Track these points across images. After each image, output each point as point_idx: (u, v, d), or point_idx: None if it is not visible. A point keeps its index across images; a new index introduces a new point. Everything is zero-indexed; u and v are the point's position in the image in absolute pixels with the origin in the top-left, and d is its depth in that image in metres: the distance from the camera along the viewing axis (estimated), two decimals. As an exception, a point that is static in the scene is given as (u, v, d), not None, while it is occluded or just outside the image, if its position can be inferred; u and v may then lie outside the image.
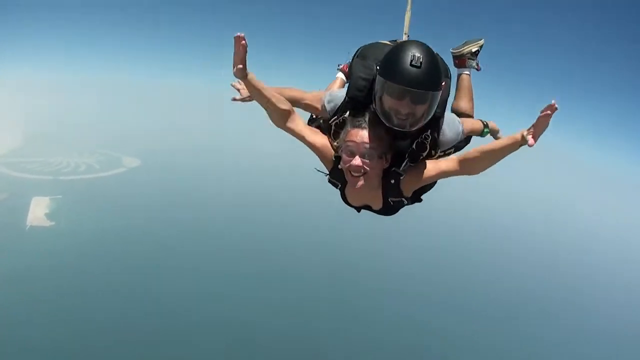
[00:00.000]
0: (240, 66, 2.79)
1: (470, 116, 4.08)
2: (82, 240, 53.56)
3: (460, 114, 3.90)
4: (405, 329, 46.52)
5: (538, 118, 2.63)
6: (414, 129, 3.01)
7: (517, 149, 2.86)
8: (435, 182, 3.63)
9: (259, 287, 50.14)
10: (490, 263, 69.61)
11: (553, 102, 2.58)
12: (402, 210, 3.60)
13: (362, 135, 3.07)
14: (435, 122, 3.21)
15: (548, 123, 2.64)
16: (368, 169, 3.08)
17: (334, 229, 67.22)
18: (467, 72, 4.34)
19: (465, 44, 4.34)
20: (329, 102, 3.45)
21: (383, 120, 2.99)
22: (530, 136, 2.68)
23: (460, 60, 4.33)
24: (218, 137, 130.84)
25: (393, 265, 60.88)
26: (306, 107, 3.55)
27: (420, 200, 3.69)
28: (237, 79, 3.21)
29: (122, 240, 55.12)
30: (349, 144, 3.09)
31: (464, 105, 4.17)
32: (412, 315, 49.13)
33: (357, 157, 3.06)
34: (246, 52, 2.74)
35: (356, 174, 3.10)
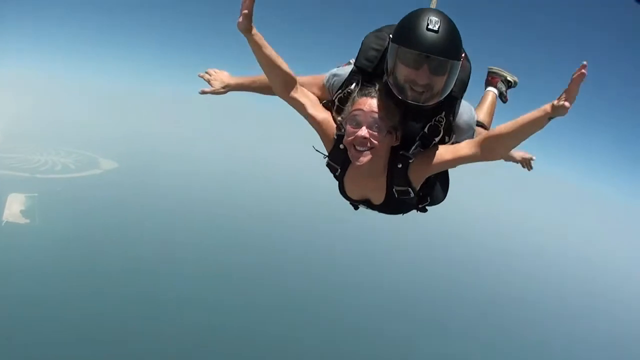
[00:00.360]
0: (246, 11, 2.50)
1: (486, 129, 3.77)
2: (55, 239, 55.13)
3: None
4: (401, 349, 48.56)
5: (570, 82, 2.35)
6: (430, 103, 2.67)
7: (545, 124, 2.52)
8: (447, 190, 3.40)
9: (235, 291, 51.79)
10: (484, 285, 73.47)
11: (584, 63, 2.33)
12: (402, 219, 3.35)
13: (370, 103, 2.73)
14: (451, 104, 2.87)
15: (579, 89, 2.36)
16: (376, 142, 2.70)
17: (320, 236, 71.43)
18: (495, 92, 4.26)
19: (504, 69, 4.37)
20: (333, 76, 3.10)
21: (396, 94, 2.66)
22: (564, 101, 2.35)
23: (494, 79, 4.31)
24: (194, 143, 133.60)
25: (386, 285, 63.71)
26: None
27: (425, 210, 3.36)
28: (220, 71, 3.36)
29: (95, 241, 56.91)
30: (356, 112, 2.73)
31: (482, 116, 3.95)
32: (408, 337, 51.36)
33: (363, 127, 2.70)
34: None
35: (361, 148, 2.71)
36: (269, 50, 2.74)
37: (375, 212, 3.31)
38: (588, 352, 59.57)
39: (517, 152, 4.34)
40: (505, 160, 4.10)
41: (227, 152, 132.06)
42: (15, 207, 63.19)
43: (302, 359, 43.16)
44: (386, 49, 2.82)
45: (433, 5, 3.19)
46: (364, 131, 2.70)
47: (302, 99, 3.00)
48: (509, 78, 4.37)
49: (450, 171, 3.21)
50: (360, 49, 3.01)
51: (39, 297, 43.08)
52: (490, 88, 4.29)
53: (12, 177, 73.39)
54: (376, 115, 2.72)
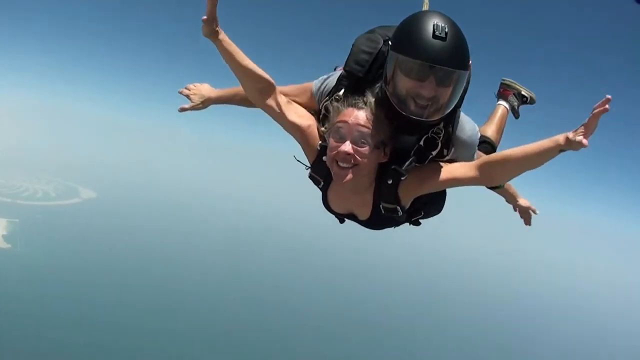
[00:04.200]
0: (205, 17, 2.29)
1: (493, 146, 3.52)
2: (36, 265, 57.00)
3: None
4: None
5: (591, 116, 2.16)
6: (433, 118, 2.41)
7: (554, 156, 2.30)
8: (442, 204, 3.12)
9: (210, 323, 52.89)
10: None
11: (608, 97, 2.16)
12: (389, 232, 3.06)
13: (357, 115, 2.45)
14: (451, 114, 2.54)
15: (597, 123, 2.17)
16: (360, 159, 2.42)
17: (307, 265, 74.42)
18: (506, 106, 3.98)
19: (518, 83, 4.07)
20: (324, 82, 2.84)
21: (397, 107, 2.38)
22: (582, 137, 2.14)
23: (506, 91, 4.02)
24: (174, 175, 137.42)
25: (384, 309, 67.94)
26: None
27: (418, 223, 3.05)
28: (185, 93, 3.14)
29: (76, 268, 59.07)
30: (340, 124, 2.45)
31: (490, 132, 3.66)
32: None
33: (347, 142, 2.42)
34: (216, 2, 2.29)
35: (344, 165, 2.44)
36: (240, 55, 2.48)
37: (363, 227, 3.01)
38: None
39: (522, 199, 3.76)
40: (507, 201, 3.75)
41: (208, 185, 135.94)
42: (-3, 231, 65.38)
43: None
44: (379, 52, 2.59)
45: (425, 7, 2.98)
46: (347, 146, 2.40)
47: (282, 106, 2.69)
48: (523, 92, 4.04)
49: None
50: (350, 51, 2.69)
51: (18, 319, 43.70)
52: (501, 101, 4.00)
53: (-7, 202, 75.39)
54: (363, 129, 2.41)
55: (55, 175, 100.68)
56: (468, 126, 2.75)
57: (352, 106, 2.50)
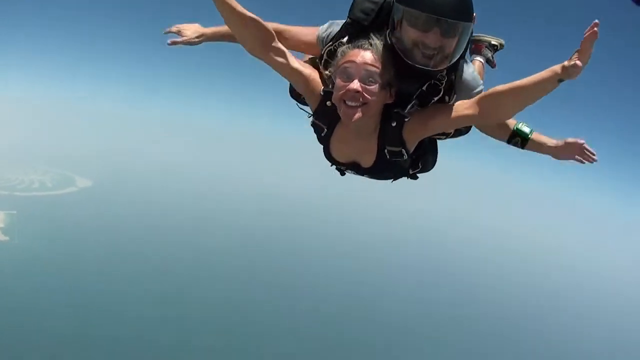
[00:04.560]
0: None
1: None
2: (35, 257, 57.17)
3: None
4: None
5: (582, 42, 2.19)
6: (439, 68, 2.53)
7: (553, 88, 2.35)
8: (436, 157, 3.19)
9: (211, 309, 53.20)
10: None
11: (596, 21, 2.16)
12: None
13: (363, 55, 2.52)
14: (455, 63, 2.63)
15: (591, 49, 2.19)
16: (368, 97, 2.48)
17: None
18: (481, 60, 4.06)
19: (486, 34, 4.12)
20: (329, 27, 2.88)
21: (403, 57, 2.49)
22: (577, 61, 2.18)
23: (477, 46, 4.08)
24: (170, 161, 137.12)
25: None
26: (295, 43, 2.93)
27: (415, 177, 3.15)
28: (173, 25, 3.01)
29: (74, 259, 59.35)
30: (347, 64, 2.51)
31: None
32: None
33: (355, 80, 2.47)
34: None
35: (353, 103, 2.48)
36: (239, 6, 2.46)
37: (364, 178, 3.10)
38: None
39: (558, 140, 3.12)
40: (547, 151, 3.11)
41: (205, 171, 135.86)
42: (-5, 224, 65.94)
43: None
44: (384, 2, 2.64)
45: None
46: (356, 84, 2.46)
47: (285, 55, 2.67)
48: (493, 42, 4.14)
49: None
50: (352, 3, 2.74)
51: (17, 312, 44.05)
52: (475, 56, 4.05)
53: (-9, 195, 75.97)
54: (370, 68, 2.49)
55: (51, 165, 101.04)
56: (470, 73, 2.84)
57: (358, 47, 2.57)
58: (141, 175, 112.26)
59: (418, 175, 3.16)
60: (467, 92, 2.79)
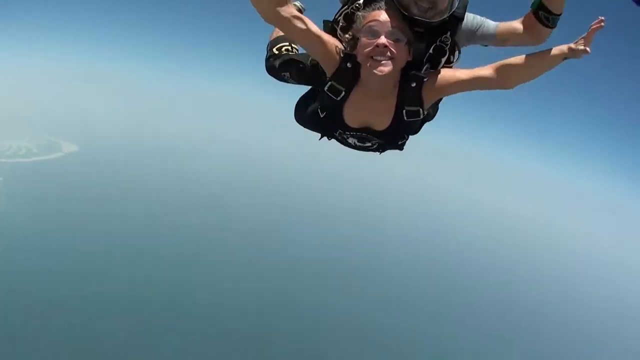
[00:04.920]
0: None
1: None
2: (22, 223, 57.45)
3: None
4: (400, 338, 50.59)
5: (589, 31, 2.64)
6: (436, 20, 2.77)
7: (559, 62, 2.78)
8: (437, 107, 3.39)
9: (206, 268, 54.26)
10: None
11: (602, 18, 2.60)
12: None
13: (385, 14, 2.72)
14: (455, 24, 2.93)
15: (593, 38, 2.62)
16: (395, 51, 2.67)
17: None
18: None
19: None
20: None
21: (402, 10, 2.73)
22: (582, 47, 2.64)
23: None
24: (155, 125, 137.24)
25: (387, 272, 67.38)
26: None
27: (402, 148, 3.35)
28: None
29: (60, 222, 60.06)
30: (372, 23, 2.70)
31: None
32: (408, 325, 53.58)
33: (382, 36, 2.65)
34: None
35: (381, 58, 2.65)
36: None
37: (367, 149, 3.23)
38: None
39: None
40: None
41: (192, 132, 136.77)
42: (-18, 191, 66.53)
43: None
44: None
45: None
46: (383, 39, 2.63)
47: (301, 18, 2.77)
48: None
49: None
50: None
51: (5, 280, 44.16)
52: None
53: (-22, 163, 76.29)
54: (394, 25, 2.68)
55: (37, 131, 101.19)
56: (467, 21, 3.04)
57: (378, 9, 2.77)
58: (127, 139, 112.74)
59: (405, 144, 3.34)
60: (470, 35, 3.07)
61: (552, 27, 2.83)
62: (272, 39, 3.93)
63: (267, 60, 3.79)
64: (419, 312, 58.20)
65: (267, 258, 63.33)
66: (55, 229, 58.25)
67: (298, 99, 3.52)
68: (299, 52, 3.76)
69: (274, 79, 3.78)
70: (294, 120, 3.48)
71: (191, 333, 42.73)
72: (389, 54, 2.67)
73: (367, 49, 2.68)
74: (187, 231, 66.58)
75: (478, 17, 3.07)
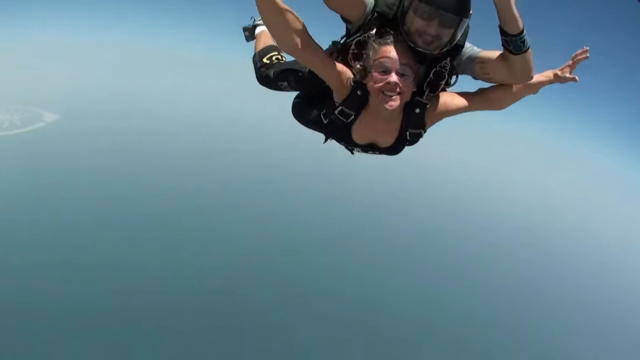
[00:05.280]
0: None
1: None
2: (9, 198, 57.58)
3: None
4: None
5: (574, 61, 3.11)
6: (436, 52, 2.94)
7: (545, 86, 3.22)
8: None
9: (194, 232, 54.39)
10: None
11: (586, 48, 2.97)
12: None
13: (395, 51, 2.90)
14: (456, 51, 3.11)
15: (576, 66, 3.09)
16: (404, 88, 2.91)
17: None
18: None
19: None
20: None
21: (407, 40, 2.90)
22: (568, 74, 3.19)
23: None
24: (136, 90, 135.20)
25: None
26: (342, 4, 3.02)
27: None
28: None
29: (43, 192, 60.18)
30: (383, 60, 2.90)
31: None
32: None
33: (393, 74, 2.88)
34: None
35: (391, 94, 2.90)
36: (280, 2, 2.70)
37: (367, 157, 3.55)
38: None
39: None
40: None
41: (175, 101, 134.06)
42: (-32, 166, 67.06)
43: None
44: None
45: None
46: (394, 77, 2.86)
47: (318, 51, 2.98)
48: None
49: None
50: None
51: None
52: None
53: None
54: (404, 61, 2.88)
55: (20, 103, 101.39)
56: (465, 50, 3.20)
57: (388, 44, 2.93)
58: (107, 104, 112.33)
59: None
60: (467, 62, 3.24)
61: (513, 52, 2.91)
62: (258, 50, 4.17)
63: (258, 70, 4.00)
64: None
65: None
66: (44, 200, 58.79)
67: (295, 99, 3.79)
68: (287, 59, 3.92)
69: (268, 89, 3.96)
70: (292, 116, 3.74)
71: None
72: (398, 89, 2.89)
73: (378, 84, 2.92)
74: (179, 196, 67.24)
75: (472, 49, 3.25)
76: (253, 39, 4.53)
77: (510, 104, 3.34)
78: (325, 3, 2.95)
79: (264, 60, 3.97)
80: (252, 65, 4.12)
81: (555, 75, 3.28)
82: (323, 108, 3.31)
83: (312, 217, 70.00)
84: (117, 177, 69.94)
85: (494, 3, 2.75)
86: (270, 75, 3.84)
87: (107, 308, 39.68)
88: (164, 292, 43.62)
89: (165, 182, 71.75)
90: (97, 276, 43.38)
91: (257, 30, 4.51)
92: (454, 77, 3.29)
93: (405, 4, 2.87)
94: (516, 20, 2.76)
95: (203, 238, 56.01)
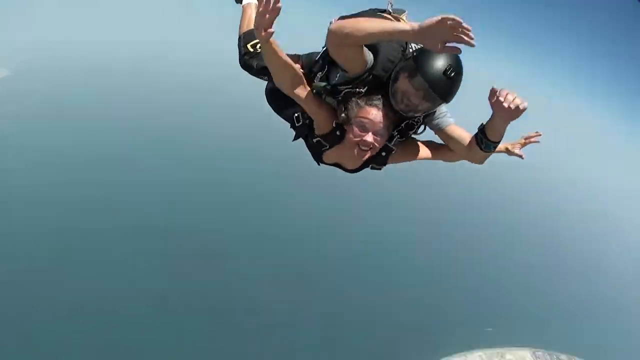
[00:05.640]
0: (272, 30, 2.71)
1: None
2: None
3: None
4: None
5: (526, 141, 3.89)
6: (414, 115, 3.26)
7: (496, 153, 3.59)
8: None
9: (158, 224, 51.64)
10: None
11: (539, 133, 3.58)
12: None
13: (377, 114, 3.21)
14: (432, 112, 3.44)
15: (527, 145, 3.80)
16: (377, 145, 3.27)
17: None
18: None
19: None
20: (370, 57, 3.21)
21: (391, 98, 3.18)
22: (518, 150, 3.88)
23: None
24: (91, 40, 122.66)
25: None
26: (350, 55, 3.12)
27: None
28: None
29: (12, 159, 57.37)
30: (364, 120, 3.21)
31: None
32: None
33: (370, 133, 3.22)
34: (278, 14, 2.64)
35: (365, 148, 3.26)
36: (283, 53, 2.97)
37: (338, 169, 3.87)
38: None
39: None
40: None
41: (136, 47, 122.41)
42: None
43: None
44: (400, 60, 3.18)
45: (389, 7, 3.49)
46: (370, 137, 3.22)
47: (312, 97, 3.32)
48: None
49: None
50: (377, 59, 3.20)
51: None
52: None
53: None
54: (382, 125, 3.22)
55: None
56: (440, 114, 3.54)
57: (372, 106, 3.24)
58: (59, 57, 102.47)
59: None
60: (435, 126, 3.58)
61: (482, 149, 3.29)
62: (243, 32, 4.24)
63: (242, 56, 4.13)
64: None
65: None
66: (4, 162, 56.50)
67: (269, 87, 4.00)
68: None
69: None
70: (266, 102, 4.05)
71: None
72: (371, 146, 3.28)
73: (356, 139, 3.28)
74: (126, 151, 64.79)
75: (445, 108, 3.55)
76: (241, 2, 4.51)
77: (462, 160, 3.66)
78: (330, 54, 3.16)
79: (249, 47, 4.08)
80: (237, 47, 4.22)
81: (507, 148, 3.90)
82: (301, 111, 3.61)
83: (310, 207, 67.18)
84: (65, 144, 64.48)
85: (493, 117, 3.08)
86: (253, 66, 4.02)
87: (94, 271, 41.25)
88: (155, 282, 43.61)
89: (117, 151, 66.05)
90: (71, 240, 44.65)
91: None
92: (422, 127, 3.60)
93: (402, 64, 3.13)
94: (502, 135, 3.20)
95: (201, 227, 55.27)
